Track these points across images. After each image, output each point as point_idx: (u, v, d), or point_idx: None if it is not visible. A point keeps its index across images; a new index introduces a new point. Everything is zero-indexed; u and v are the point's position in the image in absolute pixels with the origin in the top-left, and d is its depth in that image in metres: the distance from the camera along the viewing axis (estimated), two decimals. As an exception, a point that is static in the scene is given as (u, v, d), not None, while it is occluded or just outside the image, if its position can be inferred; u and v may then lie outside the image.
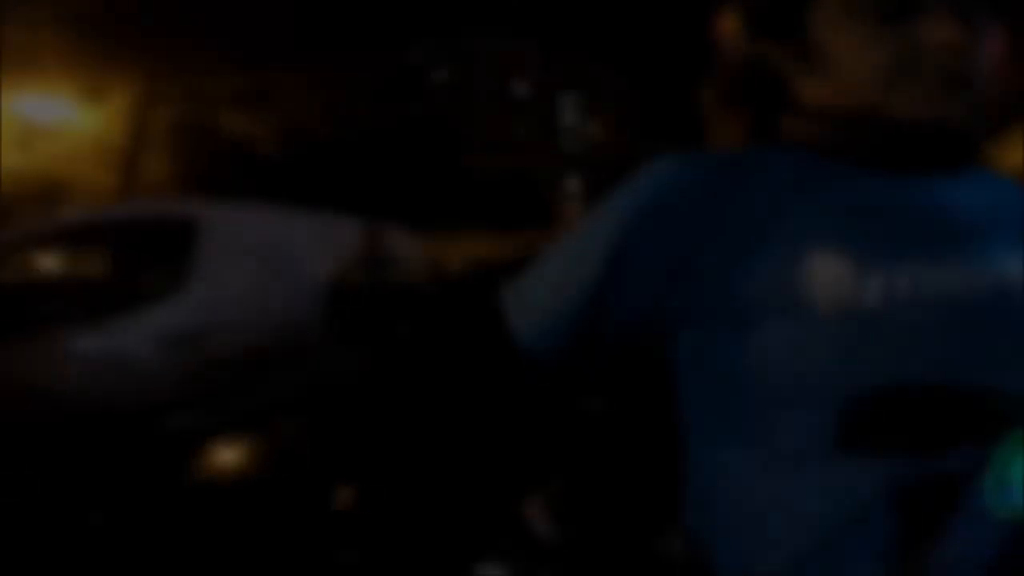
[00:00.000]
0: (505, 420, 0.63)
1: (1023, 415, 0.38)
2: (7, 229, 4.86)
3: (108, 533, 1.52)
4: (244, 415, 2.08)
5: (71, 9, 6.88)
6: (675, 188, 0.49)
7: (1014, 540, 0.37)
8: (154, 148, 8.64)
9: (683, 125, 0.55)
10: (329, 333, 3.03)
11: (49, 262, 4.73)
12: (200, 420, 2.09)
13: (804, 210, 0.47)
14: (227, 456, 1.74)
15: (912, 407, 0.40)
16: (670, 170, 0.51)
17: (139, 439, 2.01)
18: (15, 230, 4.42)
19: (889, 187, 0.49)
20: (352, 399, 2.05)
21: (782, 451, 0.43)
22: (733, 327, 0.45)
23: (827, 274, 0.43)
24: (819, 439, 0.41)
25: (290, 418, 1.89)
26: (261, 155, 8.87)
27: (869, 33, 0.49)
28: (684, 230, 0.47)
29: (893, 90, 0.48)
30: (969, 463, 0.38)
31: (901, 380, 0.40)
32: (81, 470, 1.86)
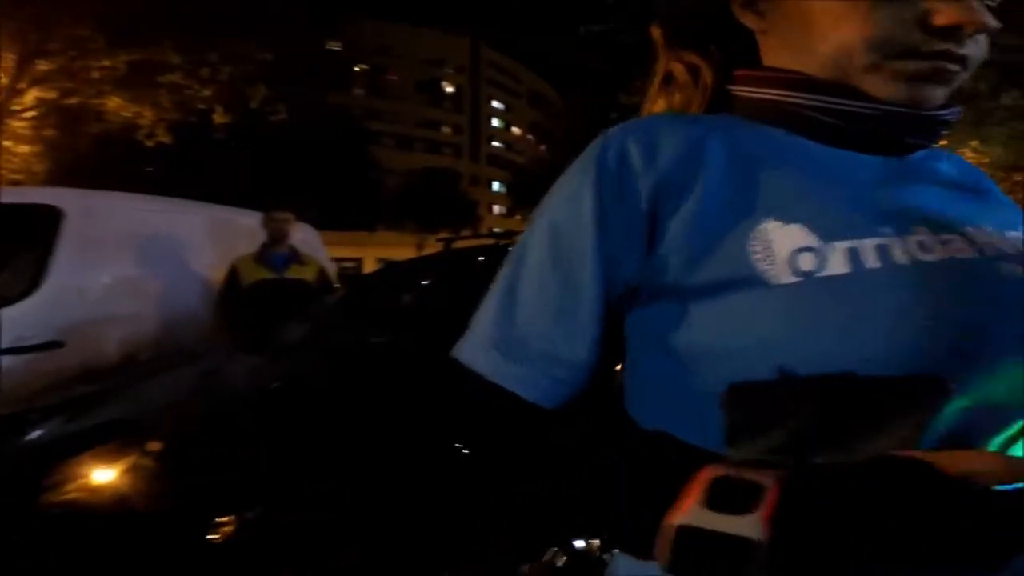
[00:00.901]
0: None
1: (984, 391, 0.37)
2: None
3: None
4: (114, 425, 1.90)
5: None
6: (630, 156, 0.46)
7: None
8: (24, 134, 7.71)
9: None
10: (218, 333, 2.85)
11: None
12: (62, 432, 1.88)
13: (767, 181, 0.44)
14: (92, 473, 1.57)
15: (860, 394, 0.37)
16: (624, 140, 0.46)
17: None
18: None
19: (856, 161, 0.46)
20: (242, 405, 1.93)
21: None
22: (692, 299, 0.42)
23: (784, 242, 0.40)
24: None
25: (170, 427, 1.74)
26: (148, 142, 8.14)
27: (862, 2, 0.44)
28: (640, 202, 0.44)
29: (878, 68, 0.44)
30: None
31: (863, 345, 0.37)
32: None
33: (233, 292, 2.88)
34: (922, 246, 0.41)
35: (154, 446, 1.55)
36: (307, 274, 3.03)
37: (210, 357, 2.40)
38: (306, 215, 3.79)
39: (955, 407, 0.37)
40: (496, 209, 51.95)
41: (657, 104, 0.59)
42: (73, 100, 7.62)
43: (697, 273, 0.42)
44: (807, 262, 0.39)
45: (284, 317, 2.57)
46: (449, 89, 49.11)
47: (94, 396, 1.93)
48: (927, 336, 0.37)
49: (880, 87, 0.45)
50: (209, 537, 1.11)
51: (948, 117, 0.48)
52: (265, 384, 2.03)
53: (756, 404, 0.39)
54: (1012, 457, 0.35)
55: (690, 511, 0.35)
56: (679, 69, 0.57)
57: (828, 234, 0.40)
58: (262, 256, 2.96)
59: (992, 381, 0.38)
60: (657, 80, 0.59)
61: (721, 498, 0.34)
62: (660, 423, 0.45)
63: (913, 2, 0.42)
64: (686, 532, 0.34)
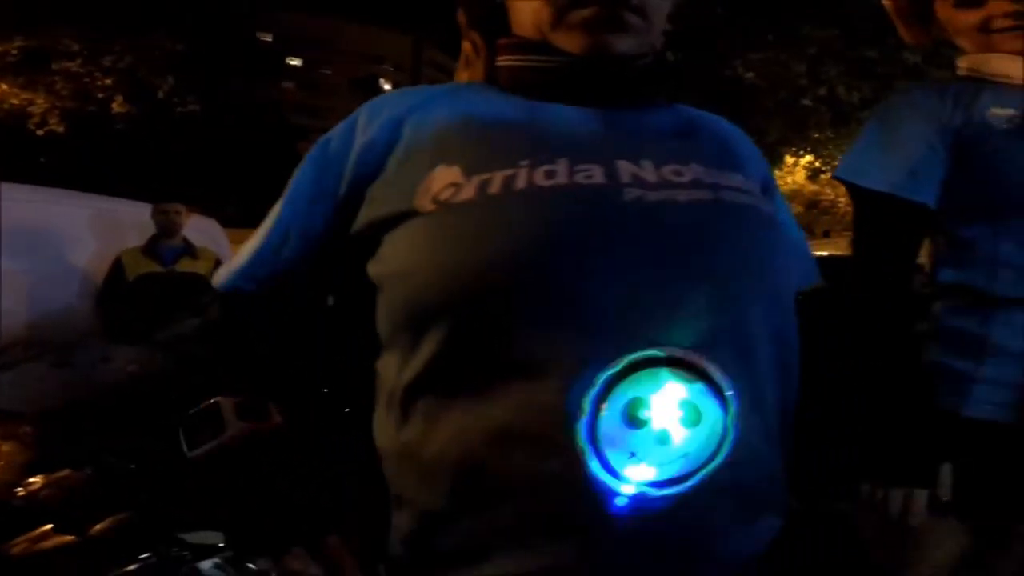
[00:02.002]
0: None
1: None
2: None
3: None
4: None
5: None
6: (352, 123, 0.53)
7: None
8: None
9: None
10: (99, 328, 2.73)
11: None
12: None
13: (443, 132, 0.49)
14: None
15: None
16: (362, 110, 0.53)
17: None
18: None
19: (556, 113, 0.51)
20: (123, 401, 1.88)
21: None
22: (381, 235, 0.48)
23: (440, 180, 0.45)
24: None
25: (47, 424, 1.68)
26: (39, 130, 7.58)
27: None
28: (346, 165, 0.51)
29: (560, 23, 0.50)
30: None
31: (482, 256, 0.41)
32: None
33: (117, 286, 2.77)
34: (549, 174, 0.44)
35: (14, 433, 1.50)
36: (200, 268, 2.94)
37: (84, 350, 2.31)
38: (221, 216, 3.68)
39: (547, 317, 0.40)
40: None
41: (461, 77, 0.67)
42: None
43: (384, 214, 0.47)
44: (446, 194, 0.44)
45: (171, 311, 2.51)
46: (387, 86, 48.45)
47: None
48: (517, 253, 0.41)
49: (566, 40, 0.51)
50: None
51: (641, 64, 0.53)
52: (138, 372, 1.99)
53: (423, 317, 0.44)
54: None
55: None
56: (468, 48, 0.65)
57: (471, 170, 0.45)
58: (150, 249, 2.85)
59: (581, 299, 0.40)
60: (461, 58, 0.67)
61: None
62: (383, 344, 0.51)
63: None
64: None
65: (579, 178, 0.44)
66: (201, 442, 0.51)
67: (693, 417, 0.38)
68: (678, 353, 0.38)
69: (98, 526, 0.99)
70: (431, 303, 0.43)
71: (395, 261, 0.46)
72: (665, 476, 0.38)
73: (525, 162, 0.45)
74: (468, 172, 0.45)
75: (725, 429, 0.39)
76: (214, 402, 0.48)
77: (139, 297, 2.72)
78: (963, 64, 0.97)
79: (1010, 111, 0.87)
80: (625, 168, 0.46)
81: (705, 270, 0.42)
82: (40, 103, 7.44)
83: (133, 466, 1.20)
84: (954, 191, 0.89)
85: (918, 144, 0.90)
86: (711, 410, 0.39)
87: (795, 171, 13.64)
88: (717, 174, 0.48)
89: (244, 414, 0.52)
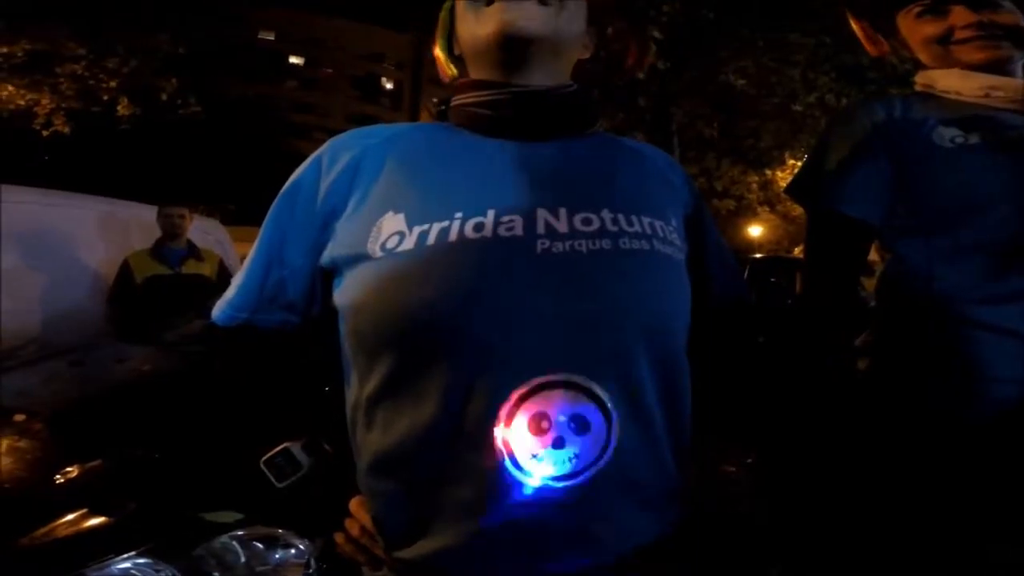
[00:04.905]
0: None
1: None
2: None
3: None
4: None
5: None
6: (317, 164, 0.60)
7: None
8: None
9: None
10: (110, 330, 2.82)
11: None
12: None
13: (394, 177, 0.57)
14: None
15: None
16: (326, 150, 0.61)
17: None
18: None
19: (490, 149, 0.59)
20: (133, 398, 1.97)
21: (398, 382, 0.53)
22: (341, 273, 0.57)
23: (388, 228, 0.54)
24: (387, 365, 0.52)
25: (63, 421, 1.78)
26: (43, 132, 7.65)
27: (470, 8, 0.60)
28: (314, 193, 0.59)
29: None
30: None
31: (412, 303, 0.49)
32: None
33: (126, 288, 2.85)
34: (478, 227, 0.52)
35: (31, 429, 1.59)
36: (205, 269, 3.03)
37: (99, 350, 2.40)
38: (223, 213, 3.76)
39: (471, 357, 0.50)
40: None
41: (423, 116, 0.75)
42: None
43: (344, 252, 0.57)
44: (392, 242, 0.53)
45: (179, 313, 2.59)
46: (388, 85, 48.28)
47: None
48: (446, 298, 0.50)
49: (487, 25, 0.59)
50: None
51: (565, 94, 0.62)
52: (149, 373, 2.08)
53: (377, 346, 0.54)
54: None
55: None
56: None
57: (413, 220, 0.54)
58: (157, 251, 2.94)
59: (496, 334, 0.49)
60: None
61: None
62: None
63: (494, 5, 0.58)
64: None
65: (501, 230, 0.52)
66: (285, 476, 0.67)
67: (583, 427, 0.49)
68: (572, 378, 0.50)
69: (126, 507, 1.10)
70: (379, 335, 0.53)
71: (351, 295, 0.56)
72: (560, 473, 0.49)
73: (459, 214, 0.53)
74: (410, 222, 0.53)
75: (608, 437, 0.50)
76: (285, 448, 0.66)
77: (148, 299, 2.80)
78: (919, 80, 0.97)
79: (954, 131, 0.86)
80: (542, 217, 0.54)
81: (596, 311, 0.52)
82: (45, 103, 7.53)
83: (157, 455, 1.31)
84: (894, 208, 0.89)
85: (863, 159, 0.90)
86: (597, 421, 0.50)
87: (794, 171, 13.69)
88: (623, 220, 0.56)
89: (308, 450, 0.67)
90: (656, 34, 5.38)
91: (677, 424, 0.58)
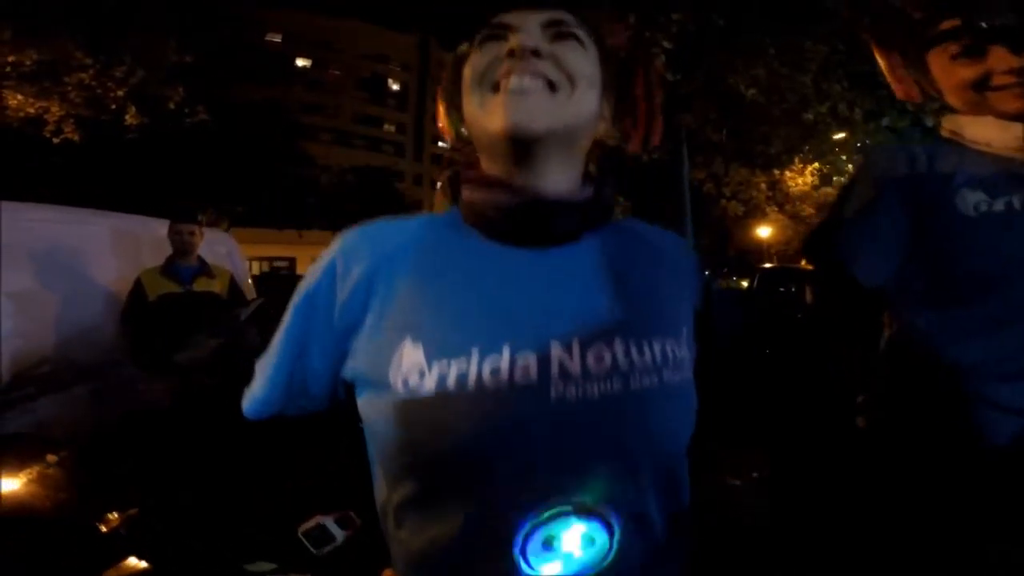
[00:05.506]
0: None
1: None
2: None
3: None
4: (11, 439, 1.91)
5: None
6: (332, 273, 0.59)
7: None
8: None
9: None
10: (124, 349, 2.83)
11: None
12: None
13: (409, 297, 0.57)
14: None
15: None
16: (337, 254, 0.60)
17: None
18: None
19: (504, 259, 0.58)
20: (149, 420, 1.98)
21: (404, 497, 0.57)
22: (368, 392, 0.58)
23: (408, 360, 0.54)
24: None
25: (71, 444, 1.79)
26: (53, 139, 7.71)
27: (475, 91, 0.58)
28: (329, 306, 0.58)
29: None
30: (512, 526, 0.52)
31: (436, 445, 0.53)
32: None
33: (139, 306, 2.85)
34: (494, 372, 0.54)
35: (55, 458, 1.60)
36: (216, 287, 3.03)
37: (113, 373, 2.41)
38: (231, 215, 3.76)
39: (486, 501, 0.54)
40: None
41: (438, 203, 0.76)
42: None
43: (366, 373, 0.58)
44: (413, 380, 0.54)
45: (191, 332, 2.59)
46: (395, 87, 48.43)
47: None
48: (466, 444, 0.53)
49: (494, 120, 0.57)
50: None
51: (579, 202, 0.60)
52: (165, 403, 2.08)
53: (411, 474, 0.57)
54: None
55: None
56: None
57: (432, 354, 0.54)
58: (168, 269, 2.94)
59: (515, 472, 0.53)
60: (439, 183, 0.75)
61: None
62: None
63: (493, 97, 0.57)
64: None
65: (518, 375, 0.54)
66: (321, 545, 0.76)
67: (589, 541, 0.55)
68: (584, 504, 0.55)
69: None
70: (402, 464, 0.57)
71: (373, 418, 0.58)
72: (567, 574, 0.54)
73: (475, 348, 0.54)
74: (429, 356, 0.54)
75: (610, 548, 0.56)
76: (319, 523, 0.75)
77: (161, 317, 2.80)
78: (946, 125, 0.92)
79: (979, 195, 0.82)
80: (556, 358, 0.55)
81: (606, 450, 0.56)
82: (55, 111, 7.60)
83: (192, 501, 1.32)
84: (904, 267, 0.86)
85: (880, 220, 0.87)
86: (601, 536, 0.55)
87: (804, 174, 13.68)
88: (635, 352, 0.57)
89: (342, 524, 0.75)
90: (665, 43, 5.37)
91: (677, 523, 0.62)
